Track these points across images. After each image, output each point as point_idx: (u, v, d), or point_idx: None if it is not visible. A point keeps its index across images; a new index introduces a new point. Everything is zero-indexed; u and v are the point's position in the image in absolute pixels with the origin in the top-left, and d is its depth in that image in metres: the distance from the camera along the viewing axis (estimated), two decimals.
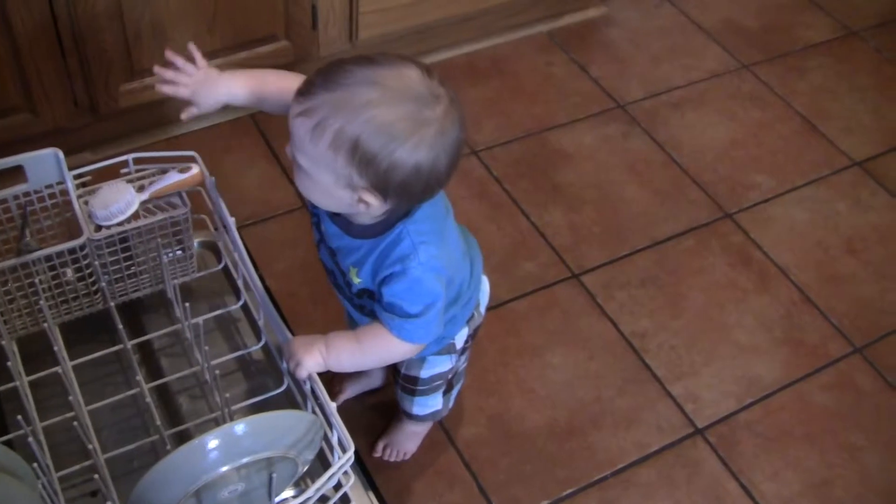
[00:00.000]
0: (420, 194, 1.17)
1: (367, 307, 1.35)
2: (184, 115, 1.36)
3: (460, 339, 1.48)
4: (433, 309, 1.24)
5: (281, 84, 1.31)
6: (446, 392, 1.59)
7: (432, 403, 1.58)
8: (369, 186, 1.13)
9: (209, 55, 2.05)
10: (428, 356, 1.48)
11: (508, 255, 2.07)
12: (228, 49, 2.11)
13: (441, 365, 1.50)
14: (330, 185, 1.14)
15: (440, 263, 1.22)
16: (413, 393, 1.55)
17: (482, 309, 1.50)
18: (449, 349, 1.48)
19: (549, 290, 2.01)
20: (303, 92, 1.12)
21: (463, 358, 1.54)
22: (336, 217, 1.27)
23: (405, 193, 1.15)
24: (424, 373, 1.50)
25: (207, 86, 1.33)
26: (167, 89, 1.34)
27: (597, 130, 2.39)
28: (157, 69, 1.35)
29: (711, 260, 2.11)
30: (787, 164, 2.36)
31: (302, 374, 1.28)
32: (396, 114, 1.08)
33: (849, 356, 1.95)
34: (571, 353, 1.90)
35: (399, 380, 1.55)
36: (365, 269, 1.26)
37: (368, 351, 1.30)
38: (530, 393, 1.83)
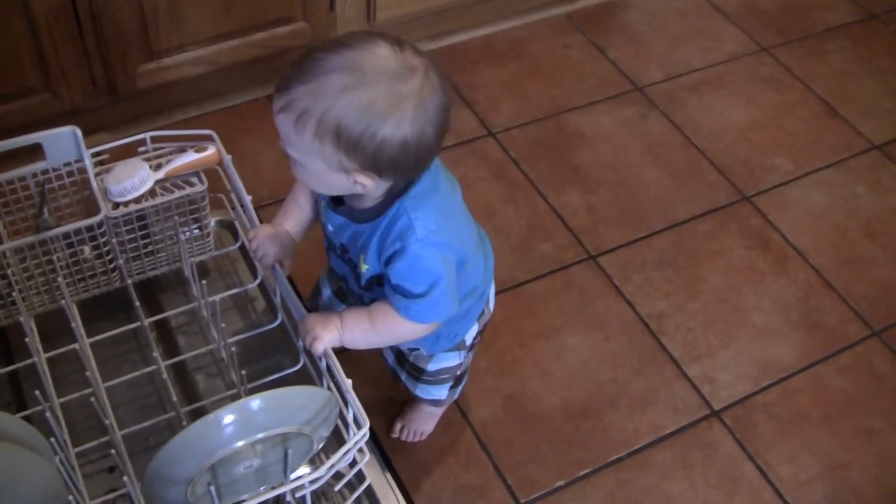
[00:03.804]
0: (413, 167, 1.16)
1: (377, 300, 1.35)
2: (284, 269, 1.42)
3: (470, 335, 1.48)
4: (437, 288, 1.23)
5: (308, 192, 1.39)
6: (453, 387, 1.58)
7: (436, 393, 1.58)
8: (361, 168, 1.13)
9: (226, 36, 2.09)
10: (438, 353, 1.48)
11: (525, 237, 2.06)
12: (245, 30, 2.11)
13: (449, 360, 1.50)
14: (324, 171, 1.15)
15: (440, 239, 1.21)
16: (418, 380, 1.55)
17: (491, 306, 1.50)
18: (459, 346, 1.48)
19: (565, 271, 2.01)
20: (280, 88, 1.12)
21: (471, 354, 1.55)
22: (340, 207, 1.28)
23: (398, 169, 1.14)
24: (432, 366, 1.51)
25: (280, 249, 1.40)
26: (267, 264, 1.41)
27: (614, 112, 2.39)
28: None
29: (729, 242, 2.10)
30: (805, 146, 2.35)
31: (319, 348, 1.28)
32: (373, 94, 1.07)
33: (866, 339, 1.94)
34: (588, 334, 1.90)
35: (406, 367, 1.55)
36: (370, 251, 1.26)
37: (380, 330, 1.30)
38: (546, 374, 1.83)
